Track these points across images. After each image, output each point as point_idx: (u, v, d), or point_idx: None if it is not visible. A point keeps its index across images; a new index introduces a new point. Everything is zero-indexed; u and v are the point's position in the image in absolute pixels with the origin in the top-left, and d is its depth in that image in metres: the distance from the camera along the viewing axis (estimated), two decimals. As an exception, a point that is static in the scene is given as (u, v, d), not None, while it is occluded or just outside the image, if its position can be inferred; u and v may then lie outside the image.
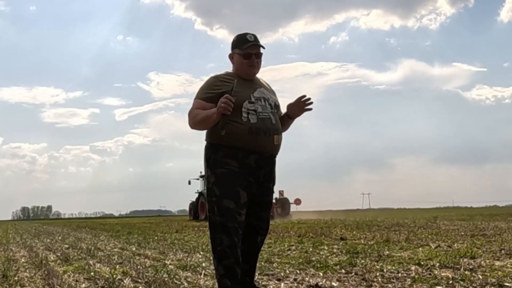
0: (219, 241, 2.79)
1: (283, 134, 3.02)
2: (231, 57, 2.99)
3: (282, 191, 26.10)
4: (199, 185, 26.98)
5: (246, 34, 2.95)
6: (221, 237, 2.78)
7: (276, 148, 2.93)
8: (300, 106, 3.01)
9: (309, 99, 2.99)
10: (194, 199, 26.90)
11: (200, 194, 25.74)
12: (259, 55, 2.95)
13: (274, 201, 23.13)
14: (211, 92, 2.86)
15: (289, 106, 3.04)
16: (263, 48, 2.96)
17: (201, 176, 26.04)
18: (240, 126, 2.79)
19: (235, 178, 2.80)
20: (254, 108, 2.84)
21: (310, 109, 3.03)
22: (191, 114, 2.89)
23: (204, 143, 2.97)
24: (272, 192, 3.06)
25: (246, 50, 2.90)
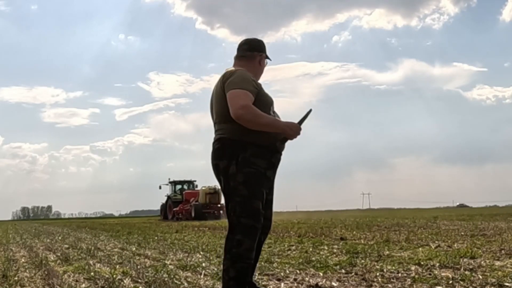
0: (236, 242, 2.72)
1: None
2: (259, 58, 3.07)
3: None
4: (168, 190, 31.29)
5: None
6: (241, 239, 2.72)
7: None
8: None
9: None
10: (164, 202, 30.87)
11: (168, 197, 30.01)
12: None
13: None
14: (256, 88, 2.85)
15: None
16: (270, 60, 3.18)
17: (170, 182, 30.85)
18: None
19: (261, 178, 2.81)
20: (274, 111, 2.96)
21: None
22: (253, 111, 2.72)
23: (212, 138, 2.94)
24: None
25: (266, 56, 3.11)
